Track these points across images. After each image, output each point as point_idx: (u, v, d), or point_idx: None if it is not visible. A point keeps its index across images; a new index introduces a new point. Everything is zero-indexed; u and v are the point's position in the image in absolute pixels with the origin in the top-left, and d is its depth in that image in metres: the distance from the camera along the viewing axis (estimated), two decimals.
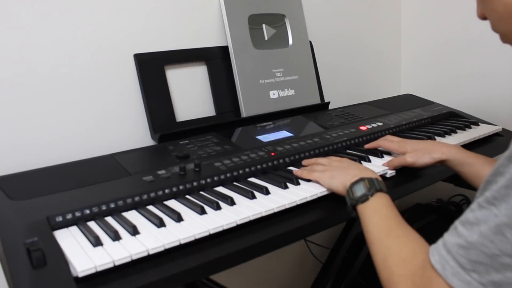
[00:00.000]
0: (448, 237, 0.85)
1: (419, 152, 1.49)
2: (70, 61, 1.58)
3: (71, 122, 1.60)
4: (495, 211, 0.78)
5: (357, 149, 1.70)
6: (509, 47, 1.02)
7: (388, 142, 1.62)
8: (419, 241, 0.99)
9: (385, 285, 0.97)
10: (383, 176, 1.47)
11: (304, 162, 1.54)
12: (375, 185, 1.18)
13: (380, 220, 1.09)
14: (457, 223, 0.85)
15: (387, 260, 0.98)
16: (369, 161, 1.57)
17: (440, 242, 0.87)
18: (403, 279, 0.92)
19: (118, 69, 1.68)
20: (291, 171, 1.48)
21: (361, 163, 1.52)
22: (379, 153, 1.62)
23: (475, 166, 1.40)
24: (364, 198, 1.16)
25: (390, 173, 1.50)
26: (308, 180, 1.40)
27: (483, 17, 1.04)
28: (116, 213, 1.20)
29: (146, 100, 1.69)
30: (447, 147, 1.48)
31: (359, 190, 1.19)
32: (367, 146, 1.67)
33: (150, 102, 1.70)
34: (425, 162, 1.47)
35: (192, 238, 1.08)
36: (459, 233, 0.83)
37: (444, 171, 1.55)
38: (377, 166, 1.52)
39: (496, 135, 2.01)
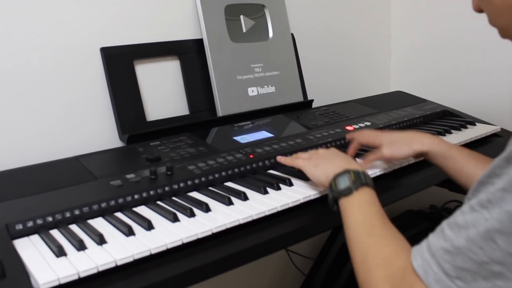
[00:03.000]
0: (434, 240, 0.86)
1: (397, 144, 1.48)
2: (31, 57, 1.58)
3: (32, 122, 1.60)
4: (486, 215, 0.78)
5: (343, 150, 1.70)
6: (508, 42, 1.02)
7: (360, 135, 1.61)
8: (402, 242, 0.99)
9: (362, 287, 0.97)
10: None
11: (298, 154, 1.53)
12: (361, 178, 1.18)
13: (363, 217, 1.10)
14: (445, 225, 0.86)
15: (366, 260, 0.99)
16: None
17: (424, 244, 0.88)
18: (382, 281, 0.93)
19: (83, 64, 1.69)
20: (271, 174, 1.50)
21: None
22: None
23: (459, 160, 1.39)
24: (347, 192, 1.16)
25: (371, 174, 1.49)
26: (291, 184, 1.42)
27: (479, 10, 1.04)
28: (81, 220, 1.20)
29: (113, 98, 1.70)
30: (428, 138, 1.47)
31: (343, 183, 1.19)
32: (351, 154, 1.62)
33: (118, 100, 1.71)
34: (404, 154, 1.47)
35: (164, 248, 1.09)
36: (445, 236, 0.83)
37: (437, 175, 1.56)
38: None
39: (494, 135, 2.03)
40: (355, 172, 1.20)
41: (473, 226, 0.80)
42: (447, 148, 1.42)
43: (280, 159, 1.46)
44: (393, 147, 1.48)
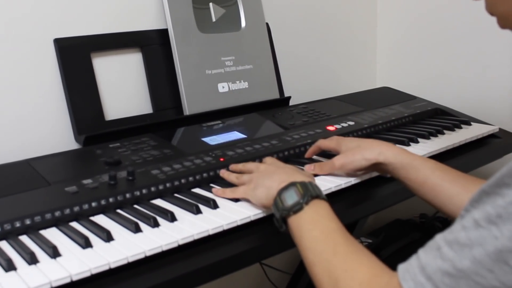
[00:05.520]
0: (428, 259, 0.83)
1: (350, 153, 1.46)
2: None
3: None
4: (496, 232, 0.76)
5: (325, 153, 1.70)
6: (507, 32, 1.02)
7: (327, 140, 1.60)
8: (374, 259, 0.97)
9: None
10: (344, 189, 1.49)
11: (232, 167, 1.52)
12: (309, 190, 1.15)
13: (322, 234, 1.07)
14: (441, 242, 0.83)
15: (338, 283, 0.96)
16: None
17: (414, 263, 0.86)
18: None
19: (35, 57, 1.68)
20: None
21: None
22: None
23: (423, 171, 1.35)
24: (297, 207, 1.13)
25: (346, 182, 1.49)
26: None
27: None
28: (32, 231, 1.20)
29: (68, 94, 1.70)
30: (387, 147, 1.44)
31: (290, 198, 1.15)
32: (307, 155, 1.65)
33: (73, 97, 1.71)
34: (356, 166, 1.45)
35: (125, 261, 1.09)
36: (443, 255, 0.81)
37: None
38: (341, 177, 1.52)
39: (491, 136, 2.04)
40: (302, 184, 1.17)
41: (479, 245, 0.77)
42: (410, 160, 1.39)
43: (217, 192, 1.42)
44: (346, 157, 1.46)
